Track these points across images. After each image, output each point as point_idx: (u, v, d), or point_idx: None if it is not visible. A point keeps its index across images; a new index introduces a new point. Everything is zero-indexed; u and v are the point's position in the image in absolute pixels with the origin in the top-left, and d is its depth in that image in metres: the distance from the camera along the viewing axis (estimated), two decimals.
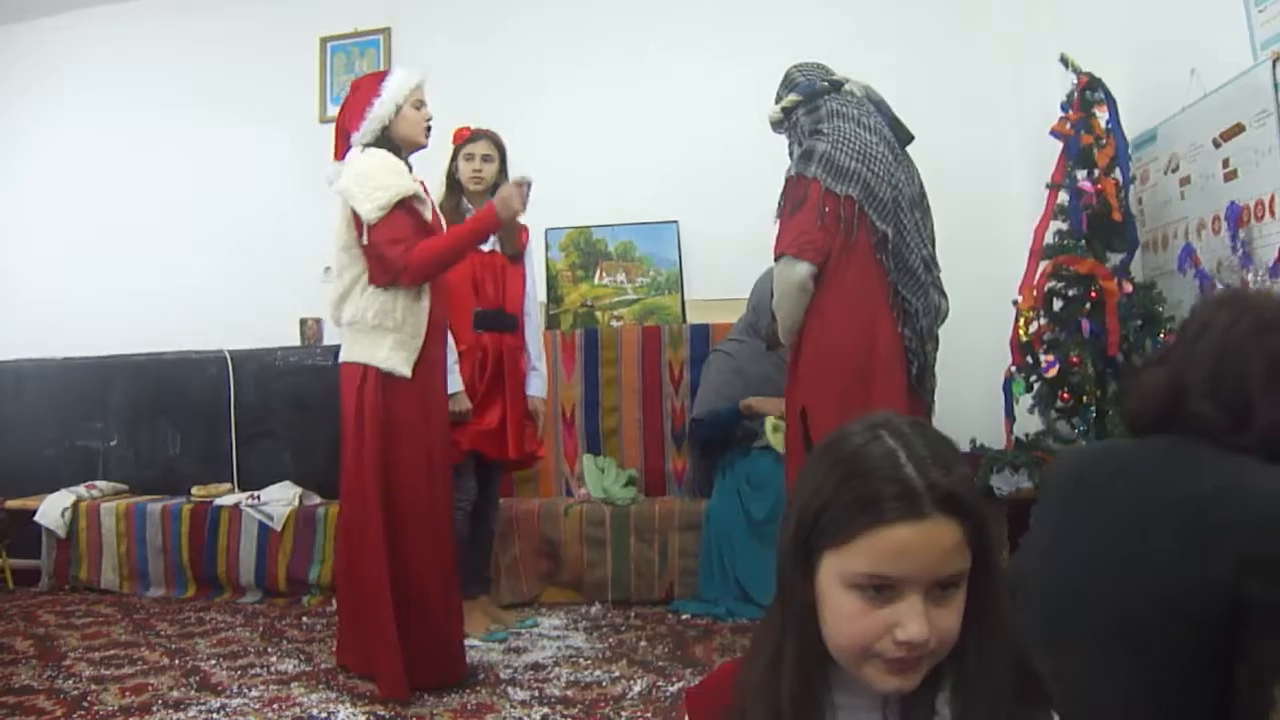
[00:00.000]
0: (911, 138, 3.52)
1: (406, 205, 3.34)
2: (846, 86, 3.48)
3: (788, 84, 3.56)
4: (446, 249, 3.42)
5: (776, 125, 3.58)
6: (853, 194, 3.22)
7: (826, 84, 3.46)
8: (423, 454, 3.38)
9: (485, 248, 4.12)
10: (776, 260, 3.30)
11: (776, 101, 3.57)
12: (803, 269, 3.22)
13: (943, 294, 3.52)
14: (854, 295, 3.26)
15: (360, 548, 3.30)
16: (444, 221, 3.67)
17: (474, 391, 4.03)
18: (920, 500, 1.06)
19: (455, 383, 3.88)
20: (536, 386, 4.30)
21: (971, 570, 1.09)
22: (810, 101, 3.45)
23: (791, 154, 3.51)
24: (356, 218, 3.33)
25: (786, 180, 3.37)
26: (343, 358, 3.44)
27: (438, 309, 3.46)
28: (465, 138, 4.19)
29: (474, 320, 4.10)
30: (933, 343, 3.50)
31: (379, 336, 3.32)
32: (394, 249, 3.29)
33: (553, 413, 5.19)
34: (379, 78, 3.53)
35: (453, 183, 4.20)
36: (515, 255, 4.24)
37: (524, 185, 3.44)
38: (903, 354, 3.31)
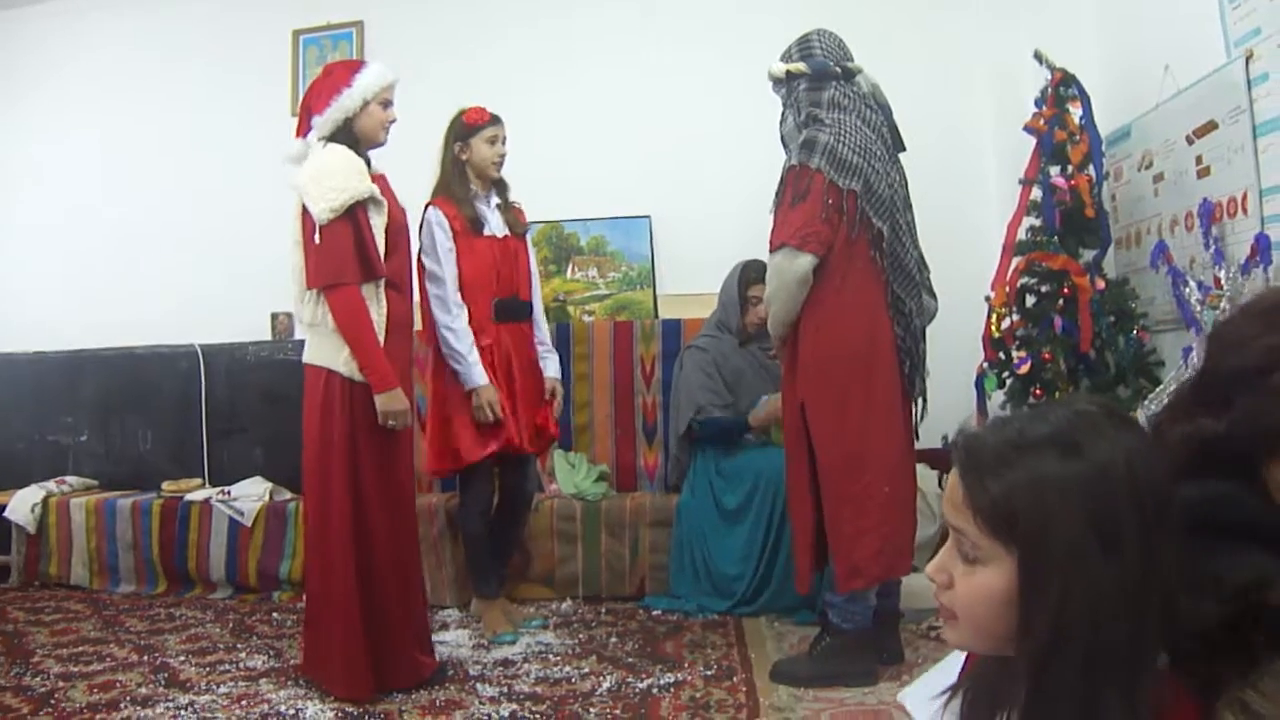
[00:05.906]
0: (904, 148, 3.51)
1: (359, 211, 3.25)
2: (857, 79, 3.43)
3: (803, 48, 3.47)
4: (353, 337, 3.23)
5: (776, 83, 3.51)
6: (855, 188, 3.21)
7: (839, 70, 3.40)
8: (388, 459, 3.35)
9: (499, 232, 4.07)
10: (775, 251, 3.26)
11: (784, 58, 3.50)
12: (805, 261, 3.19)
13: (932, 294, 3.54)
14: (854, 291, 3.26)
15: (326, 552, 3.26)
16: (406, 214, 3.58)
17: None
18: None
19: (478, 376, 3.87)
20: (554, 367, 4.25)
21: (1020, 581, 1.06)
22: (816, 80, 3.39)
23: (783, 117, 3.49)
24: (307, 214, 3.27)
25: (787, 170, 3.33)
26: (306, 358, 3.38)
27: (399, 309, 3.38)
28: (486, 120, 4.05)
29: (494, 311, 4.03)
30: (923, 343, 3.51)
31: (339, 340, 3.25)
32: (327, 264, 3.22)
33: None
34: (353, 67, 3.46)
35: (459, 166, 4.06)
36: (521, 235, 4.14)
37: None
38: (896, 352, 3.32)
